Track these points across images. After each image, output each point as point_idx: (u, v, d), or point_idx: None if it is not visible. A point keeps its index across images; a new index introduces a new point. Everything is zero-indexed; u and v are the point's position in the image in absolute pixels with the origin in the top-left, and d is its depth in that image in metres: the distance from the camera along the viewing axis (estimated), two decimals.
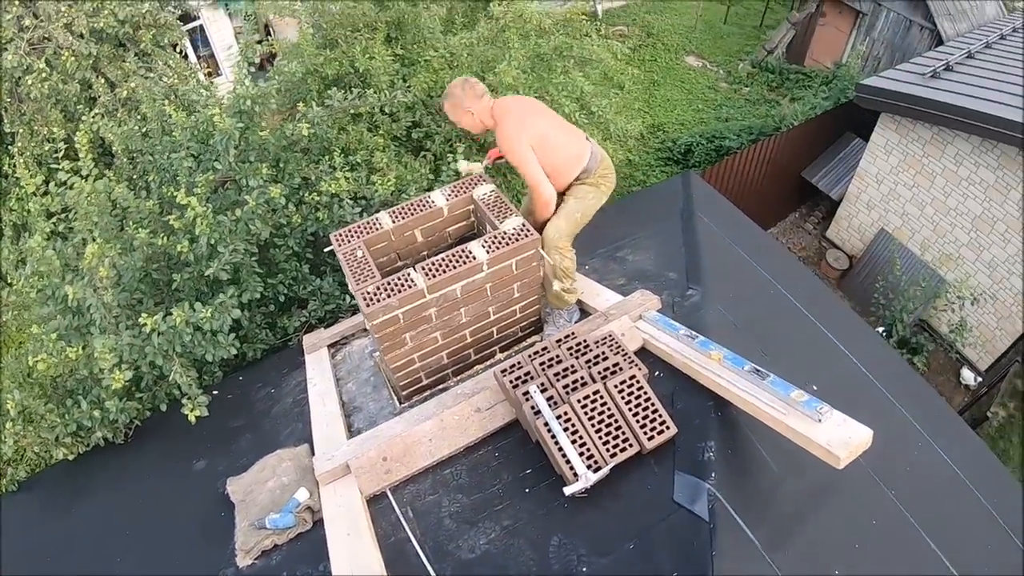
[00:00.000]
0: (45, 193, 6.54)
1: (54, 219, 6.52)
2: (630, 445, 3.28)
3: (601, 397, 3.38)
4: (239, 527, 3.65)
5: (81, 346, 4.94)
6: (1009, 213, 10.17)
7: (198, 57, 15.41)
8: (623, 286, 4.82)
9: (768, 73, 16.66)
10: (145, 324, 4.69)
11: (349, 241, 4.06)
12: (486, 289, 3.93)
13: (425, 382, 4.22)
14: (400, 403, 4.25)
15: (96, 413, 4.90)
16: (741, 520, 3.07)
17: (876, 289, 10.80)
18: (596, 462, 3.22)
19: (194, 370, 4.97)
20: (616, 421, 3.34)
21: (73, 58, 8.13)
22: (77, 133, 6.41)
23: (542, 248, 4.13)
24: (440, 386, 4.30)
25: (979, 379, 11.27)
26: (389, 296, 3.62)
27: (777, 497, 3.44)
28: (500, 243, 3.83)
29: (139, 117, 7.55)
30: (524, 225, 3.92)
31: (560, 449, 3.22)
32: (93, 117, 7.13)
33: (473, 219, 4.40)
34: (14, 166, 6.64)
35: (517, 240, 3.83)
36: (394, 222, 4.15)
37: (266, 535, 3.55)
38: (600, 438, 3.28)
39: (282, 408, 4.75)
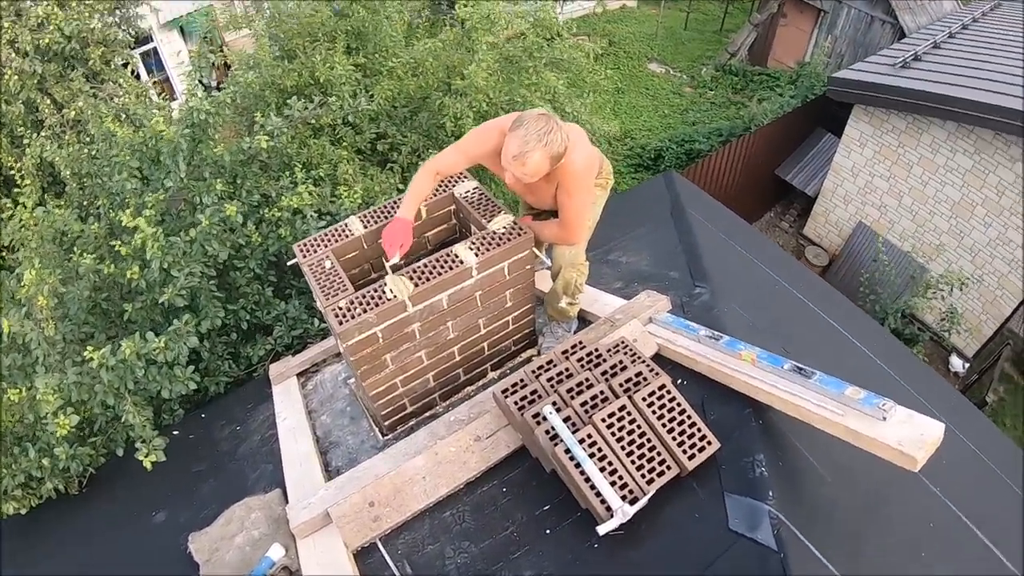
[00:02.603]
0: None
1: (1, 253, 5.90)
2: (668, 467, 2.68)
3: (629, 414, 2.76)
4: None
5: (25, 387, 4.32)
6: (988, 197, 9.94)
7: (152, 82, 14.73)
8: (621, 289, 4.27)
9: (732, 76, 16.33)
10: (91, 359, 4.07)
11: (315, 251, 3.45)
12: (476, 298, 3.33)
13: (410, 409, 3.60)
14: (383, 435, 3.62)
15: (46, 462, 4.31)
16: (810, 544, 2.50)
17: (861, 283, 10.39)
18: (631, 492, 2.61)
19: (150, 409, 4.34)
20: (649, 440, 2.72)
21: (17, 77, 7.48)
22: (21, 159, 5.83)
23: (560, 265, 3.58)
24: (427, 412, 3.67)
25: (967, 365, 10.95)
26: (365, 311, 3.00)
27: (837, 511, 2.90)
28: (490, 244, 3.24)
29: (87, 139, 6.93)
30: (515, 223, 3.35)
31: (587, 480, 2.60)
32: (39, 141, 6.50)
33: (454, 221, 3.80)
34: None
35: (509, 240, 3.25)
36: (366, 227, 3.53)
37: None
38: (633, 462, 2.66)
39: (249, 447, 4.10)
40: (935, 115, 9.84)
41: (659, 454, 2.69)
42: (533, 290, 3.61)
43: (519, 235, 3.28)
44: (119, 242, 4.87)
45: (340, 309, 3.02)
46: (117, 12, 9.09)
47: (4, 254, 5.89)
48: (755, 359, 3.02)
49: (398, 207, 3.43)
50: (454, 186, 3.72)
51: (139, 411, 4.17)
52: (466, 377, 3.70)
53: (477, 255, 3.19)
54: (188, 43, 14.84)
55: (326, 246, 3.47)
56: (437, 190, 3.70)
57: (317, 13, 8.32)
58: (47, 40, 7.69)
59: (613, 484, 2.60)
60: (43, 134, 7.27)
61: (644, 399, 2.79)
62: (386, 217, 3.56)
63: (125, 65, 9.12)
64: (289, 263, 3.99)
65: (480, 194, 3.63)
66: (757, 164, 12.28)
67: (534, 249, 3.39)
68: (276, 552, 2.98)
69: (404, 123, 8.15)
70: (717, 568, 2.43)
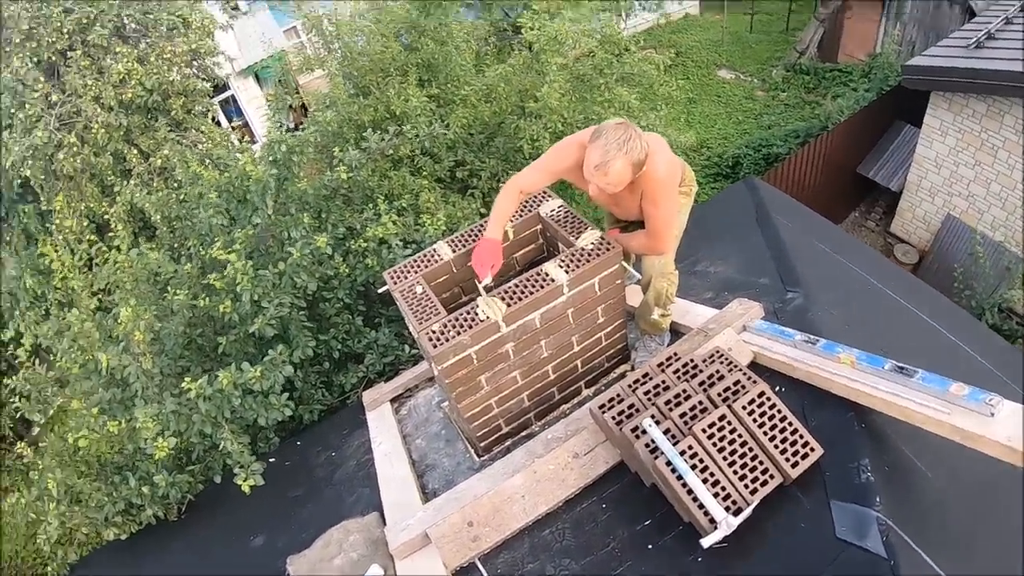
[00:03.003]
0: (89, 269, 6.21)
1: (98, 295, 6.16)
2: (771, 476, 2.59)
3: (729, 423, 2.68)
4: None
5: (125, 419, 4.49)
6: None
7: (232, 127, 15.23)
8: (712, 300, 4.18)
9: (803, 75, 15.91)
10: (189, 389, 4.20)
11: (405, 277, 3.49)
12: (568, 315, 3.30)
13: (505, 430, 3.58)
14: (479, 456, 3.61)
15: (145, 489, 4.47)
16: (920, 549, 2.37)
17: (955, 278, 9.94)
18: (735, 502, 2.53)
19: (246, 436, 4.45)
20: (751, 449, 2.64)
21: (104, 131, 7.84)
22: (113, 206, 6.14)
23: (650, 276, 3.53)
24: (522, 432, 3.65)
25: None
26: (459, 333, 3.01)
27: (946, 514, 2.77)
28: (579, 261, 3.21)
29: (175, 184, 7.20)
30: (602, 238, 3.31)
31: (689, 492, 2.54)
32: (128, 188, 6.80)
33: (542, 241, 3.80)
34: (54, 246, 6.30)
35: (598, 256, 3.22)
36: (454, 251, 3.55)
37: None
38: (735, 472, 2.58)
39: (345, 473, 4.15)
40: (1015, 94, 9.33)
41: (761, 463, 2.61)
42: (624, 304, 3.57)
43: (607, 250, 3.24)
44: (212, 276, 5.03)
45: (434, 333, 3.03)
46: (195, 63, 9.45)
47: (101, 296, 6.14)
48: (854, 361, 2.91)
49: (484, 230, 3.46)
50: (539, 205, 3.72)
51: (236, 438, 4.27)
52: (560, 396, 3.67)
53: (567, 272, 3.17)
54: (264, 88, 15.32)
55: (416, 272, 3.50)
56: (522, 210, 3.71)
57: (388, 49, 8.47)
58: (130, 95, 8.05)
59: (716, 495, 2.52)
60: (132, 182, 7.58)
61: (744, 407, 2.70)
62: (473, 240, 3.57)
63: (205, 113, 9.48)
64: (380, 291, 4.04)
65: (566, 211, 3.62)
66: (837, 163, 11.90)
67: (623, 263, 3.36)
68: (375, 572, 3.00)
69: (481, 149, 8.22)
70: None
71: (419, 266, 3.54)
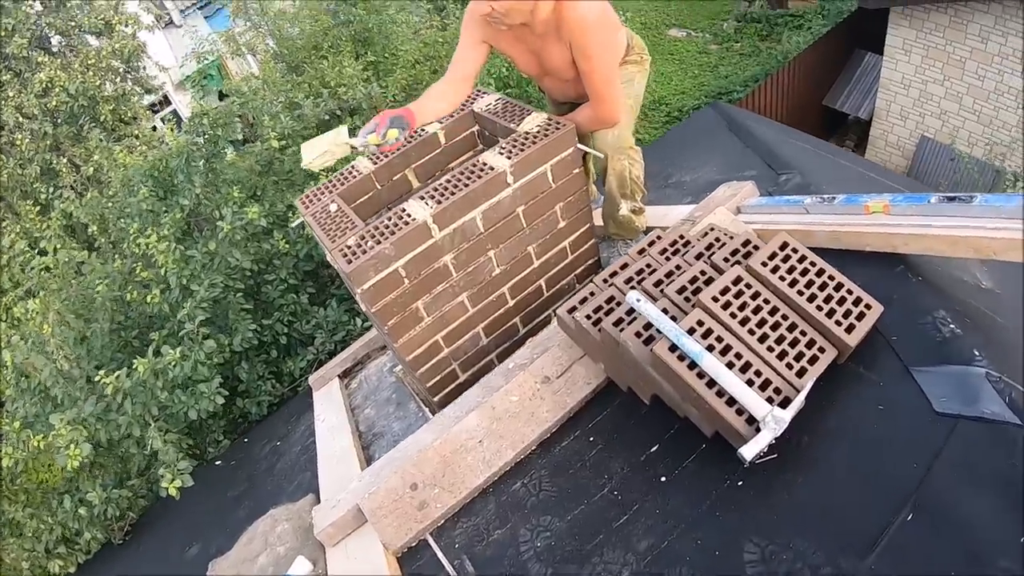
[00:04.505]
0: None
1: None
2: (820, 350, 1.75)
3: (748, 286, 1.84)
4: None
5: (45, 433, 3.74)
6: None
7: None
8: (694, 202, 3.47)
9: (755, 23, 15.10)
10: (107, 385, 3.46)
11: (319, 200, 2.76)
12: (519, 215, 2.49)
13: (462, 378, 2.74)
14: (433, 414, 2.77)
15: (82, 511, 3.73)
16: None
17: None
18: (778, 391, 1.67)
19: (188, 439, 3.74)
20: (785, 317, 1.79)
21: (29, 139, 7.10)
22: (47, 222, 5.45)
23: (606, 155, 2.76)
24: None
25: None
26: (379, 242, 2.24)
27: None
28: (524, 145, 2.44)
29: (108, 192, 6.48)
30: (549, 119, 2.59)
31: (711, 384, 1.67)
32: (62, 200, 6.07)
33: (480, 145, 3.05)
34: None
35: (546, 136, 2.49)
36: (376, 163, 2.78)
37: None
38: (769, 349, 1.73)
39: (287, 461, 3.33)
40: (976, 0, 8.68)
41: (804, 333, 1.76)
42: (588, 205, 2.82)
43: (557, 129, 2.52)
44: (139, 266, 4.33)
45: (348, 248, 2.27)
46: (127, 74, 8.72)
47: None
48: (888, 206, 2.16)
49: (415, 136, 2.78)
50: (472, 103, 2.99)
51: (163, 436, 3.54)
52: (525, 329, 2.83)
53: (510, 158, 2.43)
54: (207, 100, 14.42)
55: (331, 192, 2.76)
56: (455, 113, 2.97)
57: (318, 22, 7.76)
58: (55, 102, 7.33)
59: (749, 383, 1.66)
60: (64, 194, 6.89)
61: (764, 263, 1.86)
62: (399, 150, 2.83)
63: (137, 119, 8.74)
64: (291, 224, 3.34)
65: (504, 103, 2.86)
66: (801, 98, 11.12)
67: (579, 145, 2.62)
68: (300, 568, 2.15)
69: None
70: (941, 471, 1.48)
71: (335, 185, 2.79)
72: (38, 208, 7.56)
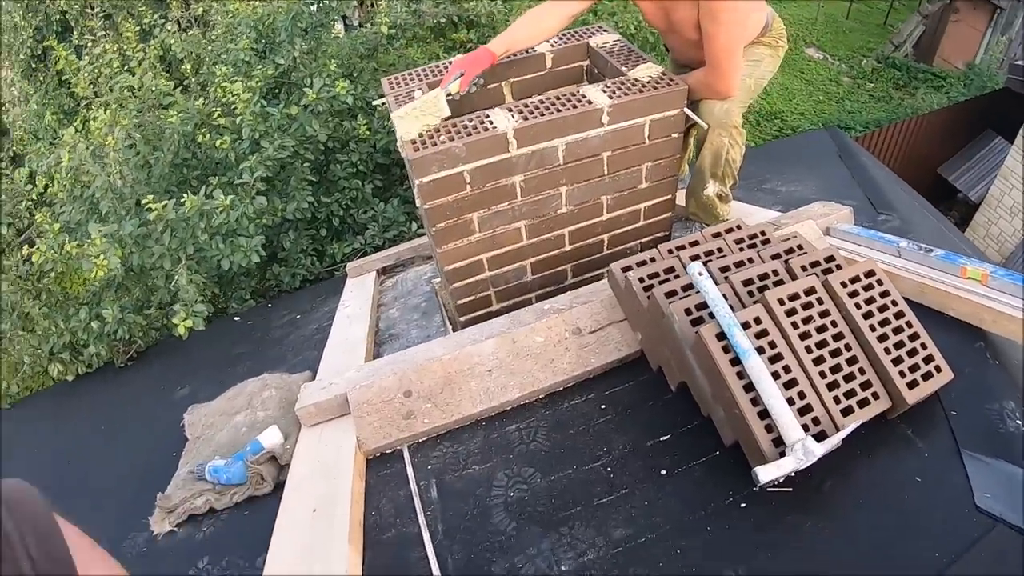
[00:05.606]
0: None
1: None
2: (874, 395, 1.56)
3: (820, 300, 1.64)
4: (177, 473, 2.15)
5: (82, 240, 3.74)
6: None
7: None
8: (783, 211, 3.25)
9: (894, 70, 14.34)
10: (152, 210, 3.41)
11: (406, 84, 2.62)
12: (603, 161, 2.32)
13: (496, 307, 2.62)
14: (455, 332, 2.71)
15: (94, 325, 3.71)
16: None
17: None
18: (817, 421, 1.51)
19: (203, 281, 3.69)
20: (848, 347, 1.60)
21: None
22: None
23: (708, 126, 2.54)
24: None
25: None
26: (452, 139, 2.09)
27: None
28: (629, 90, 2.27)
29: (210, 28, 6.42)
30: (664, 73, 2.41)
31: (748, 387, 1.50)
32: (164, 31, 6.02)
33: (586, 80, 2.89)
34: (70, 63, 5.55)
35: (655, 89, 2.32)
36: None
37: (200, 490, 2.02)
38: (822, 375, 1.55)
39: (300, 336, 3.25)
40: None
41: (862, 371, 1.57)
42: (676, 176, 2.64)
43: (668, 85, 2.33)
44: (219, 111, 4.25)
45: (419, 135, 2.16)
46: None
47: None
48: (987, 275, 1.95)
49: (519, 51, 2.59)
50: (590, 36, 2.81)
51: (190, 275, 3.50)
52: (574, 279, 2.71)
53: (612, 98, 2.25)
54: None
55: (421, 80, 2.62)
56: (565, 37, 2.80)
57: None
58: None
59: (790, 402, 1.48)
60: (169, 27, 6.84)
61: (844, 284, 1.66)
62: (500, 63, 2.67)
63: None
64: (374, 102, 3.28)
65: (622, 44, 2.69)
66: (918, 157, 10.53)
67: (686, 110, 2.43)
68: (271, 437, 2.05)
69: None
70: (963, 571, 1.29)
71: (424, 75, 2.65)
72: (139, 31, 7.58)
